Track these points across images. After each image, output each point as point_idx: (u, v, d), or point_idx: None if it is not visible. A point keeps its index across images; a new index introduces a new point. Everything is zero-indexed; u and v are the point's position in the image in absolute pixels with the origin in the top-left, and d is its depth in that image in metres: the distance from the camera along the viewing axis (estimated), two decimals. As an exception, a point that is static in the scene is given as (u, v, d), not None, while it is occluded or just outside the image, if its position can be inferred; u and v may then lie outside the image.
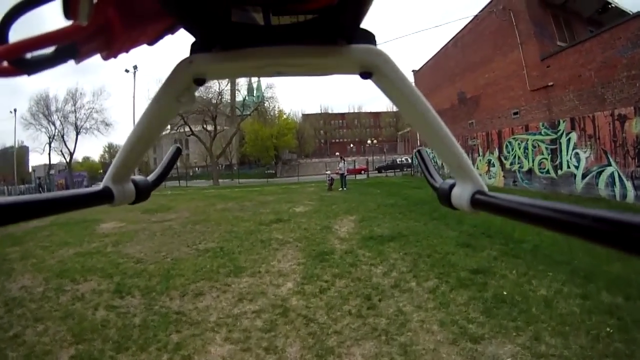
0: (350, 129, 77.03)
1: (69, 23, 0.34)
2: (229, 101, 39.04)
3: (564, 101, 12.26)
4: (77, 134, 46.31)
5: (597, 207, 0.25)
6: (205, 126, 37.85)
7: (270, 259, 5.27)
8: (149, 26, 0.42)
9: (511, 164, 15.36)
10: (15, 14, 0.33)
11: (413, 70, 28.58)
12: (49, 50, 0.36)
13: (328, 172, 17.66)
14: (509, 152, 15.52)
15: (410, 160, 38.64)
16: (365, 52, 0.41)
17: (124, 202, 0.52)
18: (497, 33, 16.35)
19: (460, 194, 0.48)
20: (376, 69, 0.42)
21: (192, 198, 17.16)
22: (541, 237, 5.47)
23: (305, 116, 72.77)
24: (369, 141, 53.56)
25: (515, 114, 15.18)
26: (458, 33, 20.36)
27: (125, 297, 4.07)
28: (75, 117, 45.62)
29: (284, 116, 50.97)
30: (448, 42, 21.85)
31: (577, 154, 11.62)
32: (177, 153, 0.69)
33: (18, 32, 0.34)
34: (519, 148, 14.78)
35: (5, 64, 0.35)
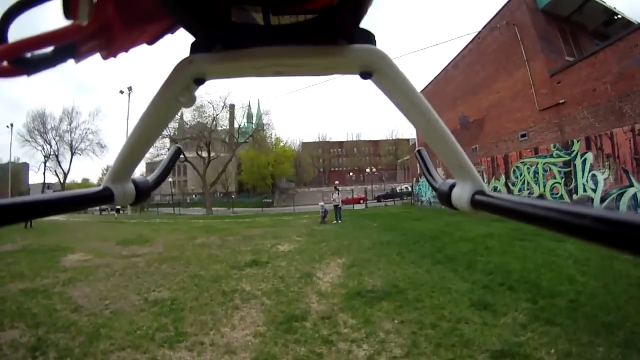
0: (349, 157, 76.66)
1: (68, 22, 0.34)
2: (224, 127, 38.54)
3: (578, 119, 11.33)
4: (72, 154, 46.25)
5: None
6: (200, 152, 37.07)
7: (224, 322, 3.99)
8: (148, 26, 0.42)
9: (519, 190, 14.41)
10: (14, 13, 0.33)
11: (411, 98, 28.05)
12: (49, 49, 0.36)
13: (321, 203, 16.47)
14: (517, 178, 14.64)
15: (410, 189, 37.71)
16: (365, 52, 0.41)
17: (124, 202, 0.51)
18: (500, 51, 15.75)
19: (461, 194, 0.47)
20: (376, 69, 0.41)
21: (176, 229, 15.97)
22: (575, 286, 4.24)
23: (304, 144, 72.45)
24: (367, 169, 52.69)
25: (523, 136, 14.30)
26: (458, 54, 19.89)
27: (38, 359, 3.26)
28: (71, 137, 45.71)
29: (281, 144, 50.27)
30: (448, 65, 21.42)
31: (594, 175, 10.60)
32: (177, 153, 0.65)
33: (17, 32, 0.34)
34: (528, 173, 13.87)
35: (4, 63, 0.35)
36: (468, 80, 18.66)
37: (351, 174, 67.00)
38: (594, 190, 10.53)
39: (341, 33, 0.40)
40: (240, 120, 42.64)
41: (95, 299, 5.03)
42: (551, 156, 12.63)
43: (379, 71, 0.41)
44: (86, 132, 46.71)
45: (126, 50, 0.43)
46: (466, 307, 3.88)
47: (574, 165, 11.49)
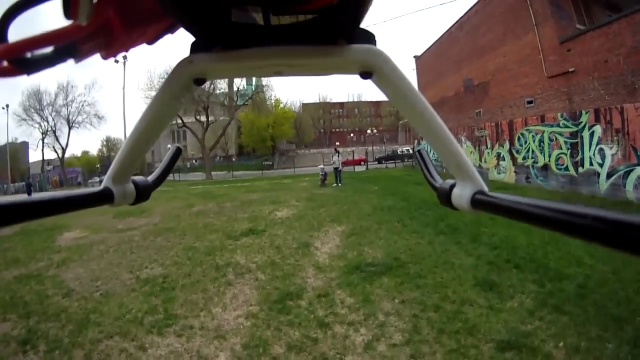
0: (350, 118, 75.11)
1: (68, 22, 0.34)
2: (222, 90, 37.39)
3: (587, 90, 10.65)
4: (70, 128, 45.61)
5: (625, 211, 0.24)
6: (198, 117, 36.23)
7: (216, 301, 3.80)
8: (148, 26, 0.42)
9: (524, 158, 13.92)
10: (14, 12, 0.33)
11: (414, 56, 26.87)
12: (49, 49, 0.36)
13: (321, 166, 16.14)
14: (521, 145, 14.09)
15: (411, 151, 37.11)
16: (365, 52, 0.41)
17: (124, 203, 0.51)
18: (508, 14, 14.75)
19: (461, 194, 0.47)
20: (376, 69, 0.42)
21: (174, 197, 15.72)
22: (584, 269, 4.00)
23: (304, 106, 70.80)
24: (368, 130, 51.81)
25: (530, 102, 13.61)
26: (464, 15, 18.73)
27: (28, 353, 3.09)
28: (67, 111, 44.70)
29: (281, 105, 49.03)
30: (452, 26, 20.25)
31: (601, 150, 10.14)
32: (177, 153, 0.65)
33: (17, 32, 0.34)
34: (534, 141, 13.33)
35: (4, 63, 0.35)
36: (473, 43, 17.64)
37: (352, 135, 66.05)
38: (601, 165, 10.11)
39: (341, 33, 0.40)
40: (239, 82, 41.33)
41: (87, 281, 4.82)
42: (558, 125, 12.05)
43: (379, 71, 0.42)
44: (82, 105, 45.71)
45: (126, 50, 0.43)
46: (471, 286, 3.65)
47: (581, 137, 10.96)
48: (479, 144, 17.66)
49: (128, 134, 0.48)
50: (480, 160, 17.51)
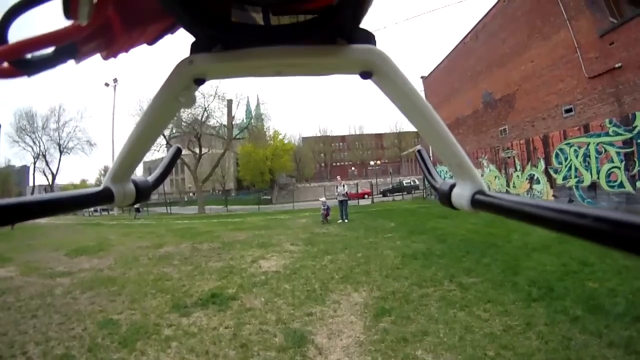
0: (351, 151, 73.37)
1: (69, 23, 0.34)
2: (217, 121, 35.66)
3: None
4: (61, 153, 44.05)
5: (625, 211, 0.24)
6: (192, 148, 34.16)
7: None
8: (149, 26, 0.42)
9: (565, 178, 11.75)
10: (14, 13, 0.33)
11: (422, 77, 25.14)
12: (49, 50, 0.36)
13: (322, 199, 13.59)
14: (560, 163, 11.98)
15: (417, 182, 34.68)
16: (365, 52, 0.40)
17: (124, 203, 0.51)
18: (533, 13, 13.11)
19: (461, 194, 0.47)
20: (376, 69, 0.41)
21: (150, 232, 13.23)
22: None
23: (305, 139, 69.34)
24: (372, 162, 49.77)
25: (568, 111, 11.67)
26: (479, 22, 17.12)
27: None
28: (59, 135, 43.67)
29: (280, 136, 47.15)
30: (465, 37, 18.52)
31: None
32: (177, 153, 0.66)
33: (18, 33, 0.34)
34: (576, 156, 11.32)
35: (5, 64, 0.35)
36: (492, 52, 16.02)
37: (353, 168, 64.06)
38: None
39: (341, 33, 0.39)
40: (235, 111, 39.78)
41: None
42: (607, 134, 10.15)
43: (379, 71, 0.41)
44: (74, 130, 45.23)
45: (126, 51, 0.43)
46: None
47: (638, 145, 9.10)
48: (506, 166, 15.39)
49: (128, 134, 0.48)
50: (508, 185, 15.10)
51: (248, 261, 6.42)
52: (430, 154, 0.72)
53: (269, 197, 44.50)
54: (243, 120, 42.99)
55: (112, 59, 0.43)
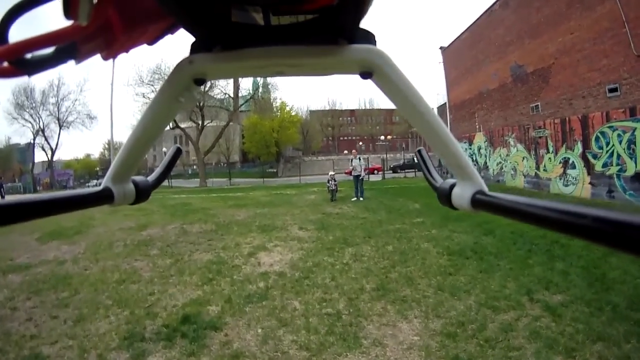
0: (360, 125, 70.90)
1: (69, 23, 0.34)
2: (221, 89, 33.76)
3: None
4: (60, 127, 42.65)
5: (625, 211, 0.24)
6: (195, 119, 32.44)
7: None
8: (149, 26, 0.42)
9: (605, 165, 10.32)
10: (14, 14, 0.33)
11: (441, 47, 22.84)
12: (49, 50, 0.36)
13: (331, 173, 12.01)
14: (601, 148, 10.49)
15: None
16: (366, 52, 0.40)
17: (124, 203, 0.51)
18: None
19: (461, 194, 0.47)
20: (376, 69, 0.41)
21: (140, 209, 11.67)
22: None
23: (312, 113, 66.85)
24: (382, 137, 47.73)
25: (613, 90, 10.21)
26: None
27: None
28: (58, 109, 42.15)
29: (287, 108, 44.99)
30: (493, 5, 16.44)
31: None
32: (177, 153, 0.64)
33: (18, 33, 0.34)
34: (620, 142, 9.85)
35: (5, 64, 0.35)
36: (524, 21, 14.22)
37: (361, 143, 61.96)
38: None
39: (341, 33, 0.39)
40: (241, 82, 37.73)
41: None
42: None
43: (379, 71, 0.41)
44: (74, 104, 43.73)
45: (127, 51, 0.43)
46: None
47: None
48: (536, 147, 13.72)
49: (128, 134, 0.47)
50: (538, 168, 13.50)
51: (244, 253, 4.95)
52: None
53: (275, 170, 42.99)
54: (249, 91, 40.99)
55: (112, 59, 0.42)
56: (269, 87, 37.79)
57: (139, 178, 0.53)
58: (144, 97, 29.42)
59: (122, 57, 0.45)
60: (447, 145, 0.46)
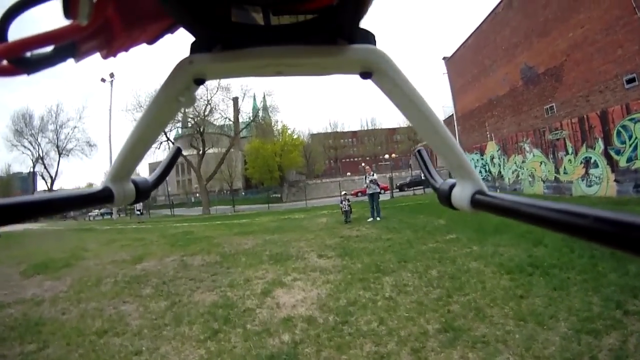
0: (362, 145, 70.43)
1: (68, 22, 0.33)
2: (220, 114, 33.43)
3: None
4: (60, 155, 42.23)
5: (625, 211, 0.24)
6: (196, 144, 31.95)
7: None
8: (148, 26, 0.41)
9: (629, 160, 9.76)
10: (14, 12, 0.33)
11: (444, 58, 22.50)
12: (49, 49, 0.35)
13: (344, 192, 11.13)
14: (623, 143, 9.94)
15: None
16: (366, 52, 0.40)
17: (124, 202, 0.51)
18: None
19: (461, 194, 0.46)
20: (376, 69, 0.41)
21: (139, 238, 11.06)
22: None
23: (313, 136, 66.57)
24: (386, 156, 47.09)
25: (631, 81, 9.86)
26: None
27: None
28: (57, 137, 41.95)
29: (288, 131, 44.58)
30: (497, 6, 16.15)
31: None
32: (178, 153, 0.63)
33: (18, 31, 0.33)
34: None
35: (4, 62, 0.34)
36: (530, 20, 14.00)
37: (363, 164, 61.36)
38: None
39: (341, 33, 0.39)
40: (241, 103, 37.56)
41: None
42: None
43: (379, 71, 0.41)
44: (73, 131, 43.72)
45: (126, 50, 0.43)
46: None
47: None
48: (554, 149, 13.00)
49: (128, 134, 0.47)
50: (558, 172, 12.68)
51: (257, 292, 4.01)
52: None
53: (279, 195, 42.06)
54: (249, 116, 40.95)
55: (111, 58, 0.42)
56: (270, 109, 37.44)
57: (139, 178, 0.52)
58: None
59: (121, 58, 0.44)
60: (447, 146, 0.45)
